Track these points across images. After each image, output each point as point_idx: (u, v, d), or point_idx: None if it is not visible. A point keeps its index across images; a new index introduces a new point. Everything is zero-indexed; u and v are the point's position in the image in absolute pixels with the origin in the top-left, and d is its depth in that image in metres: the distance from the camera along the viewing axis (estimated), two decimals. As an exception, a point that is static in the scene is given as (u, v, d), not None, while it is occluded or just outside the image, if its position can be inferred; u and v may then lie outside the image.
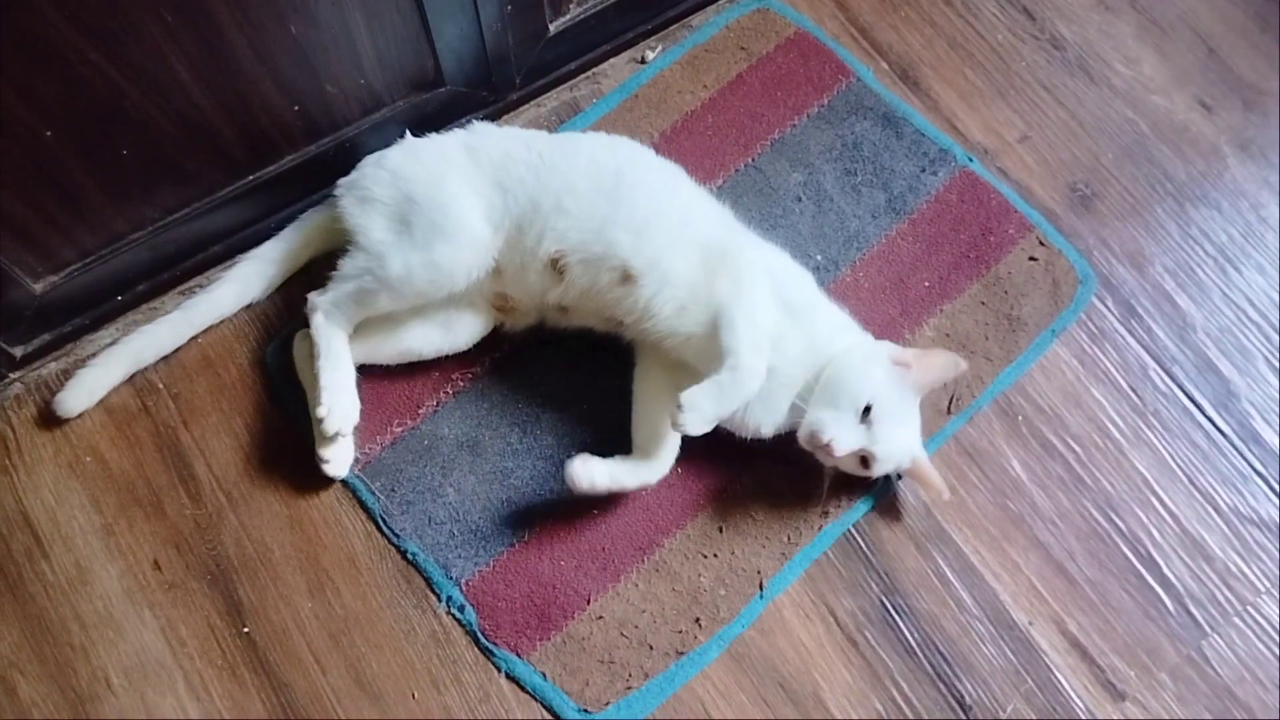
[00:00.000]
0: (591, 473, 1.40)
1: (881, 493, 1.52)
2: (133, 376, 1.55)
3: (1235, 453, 1.57)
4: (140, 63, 1.26)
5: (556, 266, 1.44)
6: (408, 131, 1.55)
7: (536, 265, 1.45)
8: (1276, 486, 1.55)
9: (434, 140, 1.53)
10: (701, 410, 1.32)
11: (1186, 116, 1.80)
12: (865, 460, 1.38)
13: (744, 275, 1.38)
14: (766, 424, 1.43)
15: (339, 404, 1.44)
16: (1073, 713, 1.42)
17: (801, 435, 1.38)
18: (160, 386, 1.56)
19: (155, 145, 1.38)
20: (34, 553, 1.46)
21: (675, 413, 1.31)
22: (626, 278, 1.41)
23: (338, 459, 1.48)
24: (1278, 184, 1.75)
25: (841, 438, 1.34)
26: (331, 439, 1.46)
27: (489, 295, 1.52)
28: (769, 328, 1.37)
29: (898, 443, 1.38)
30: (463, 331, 1.54)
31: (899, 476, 1.51)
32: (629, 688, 1.40)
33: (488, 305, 1.53)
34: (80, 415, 1.52)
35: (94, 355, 1.53)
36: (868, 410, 1.35)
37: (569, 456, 1.41)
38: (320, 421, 1.43)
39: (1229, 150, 1.78)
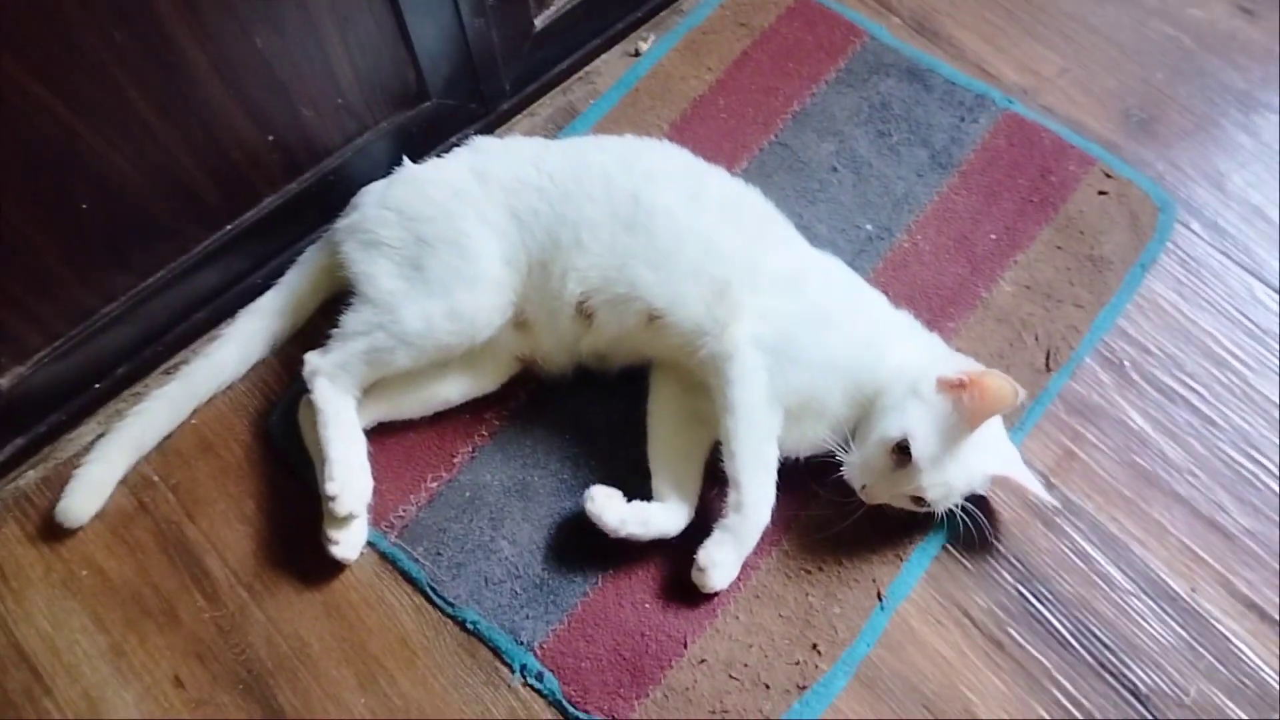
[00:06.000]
0: (604, 507, 1.25)
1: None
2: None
3: (1370, 364, 1.41)
4: (91, 94, 1.10)
5: (583, 310, 1.29)
6: (405, 158, 1.39)
7: (566, 311, 1.30)
8: None
9: (438, 166, 1.37)
10: (723, 563, 1.24)
11: (1229, 24, 1.68)
12: (917, 499, 1.21)
13: (735, 376, 1.22)
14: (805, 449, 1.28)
15: (352, 482, 1.26)
16: (1264, 684, 1.22)
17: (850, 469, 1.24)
18: (156, 479, 1.37)
19: (119, 196, 1.21)
20: (34, 690, 1.24)
21: (697, 575, 1.24)
22: (652, 318, 1.26)
23: (348, 541, 1.29)
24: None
25: (872, 487, 1.23)
26: (344, 519, 1.27)
27: (515, 353, 1.37)
28: (772, 427, 1.23)
29: (950, 479, 1.19)
30: (492, 372, 1.38)
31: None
32: (752, 737, 1.20)
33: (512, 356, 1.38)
34: (88, 522, 1.34)
35: (85, 452, 1.34)
36: (904, 448, 1.18)
37: (629, 485, 1.26)
38: (331, 500, 1.24)
39: (1284, 51, 1.65)
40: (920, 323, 1.33)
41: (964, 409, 1.17)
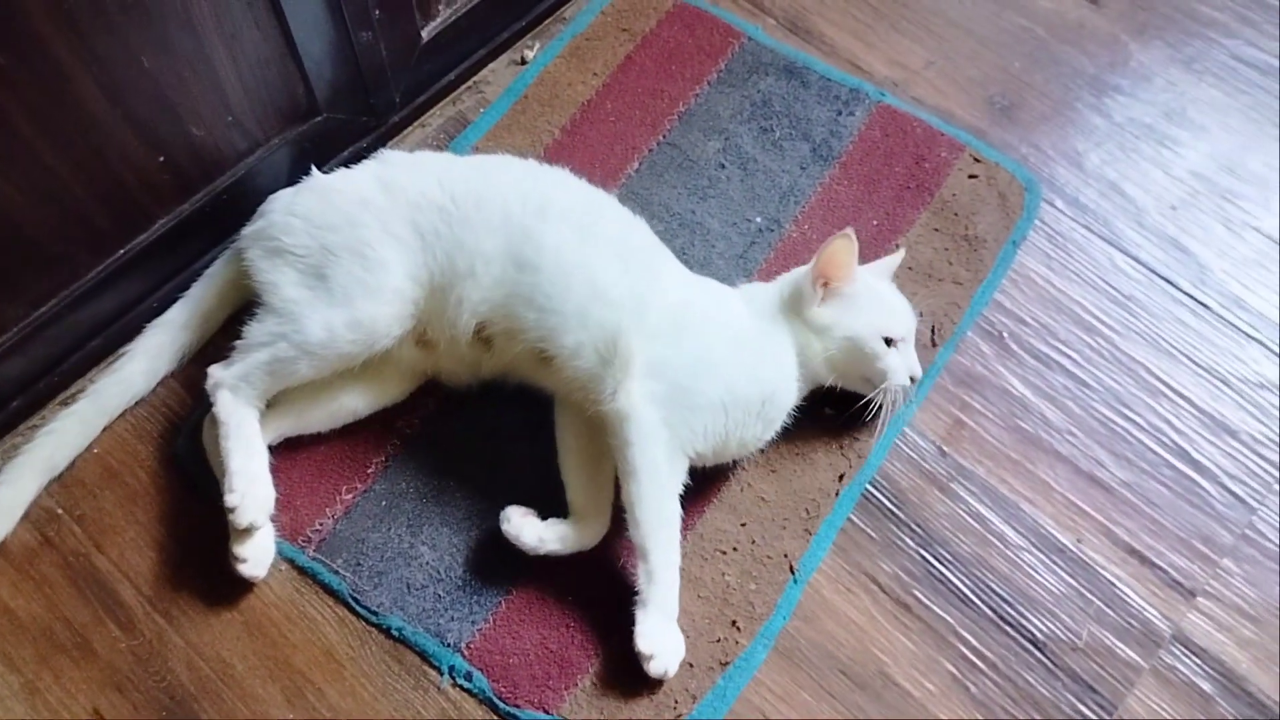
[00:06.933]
0: (520, 527, 1.26)
1: (887, 443, 1.40)
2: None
3: (1223, 321, 1.52)
4: (-28, 120, 1.08)
5: (481, 336, 1.30)
6: (314, 167, 1.38)
7: (465, 336, 1.30)
8: (1272, 346, 1.50)
9: (345, 177, 1.36)
10: (662, 641, 1.22)
11: (1078, 14, 1.79)
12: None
13: (634, 438, 1.22)
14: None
15: (252, 492, 1.25)
16: (1149, 623, 1.31)
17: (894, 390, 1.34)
18: (60, 512, 1.33)
19: (5, 224, 1.19)
20: (-57, 737, 1.21)
21: (648, 666, 1.21)
22: (543, 359, 1.28)
23: (255, 558, 1.28)
24: (1180, 58, 1.75)
25: (915, 366, 1.35)
26: (245, 532, 1.26)
27: (421, 369, 1.38)
28: (675, 485, 1.25)
29: (902, 305, 1.37)
30: (398, 382, 1.38)
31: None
32: (679, 715, 1.23)
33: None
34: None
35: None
36: (890, 340, 1.31)
37: (543, 484, 1.30)
38: (231, 512, 1.23)
39: (1127, 37, 1.76)
40: (758, 282, 1.43)
41: (841, 283, 1.32)
